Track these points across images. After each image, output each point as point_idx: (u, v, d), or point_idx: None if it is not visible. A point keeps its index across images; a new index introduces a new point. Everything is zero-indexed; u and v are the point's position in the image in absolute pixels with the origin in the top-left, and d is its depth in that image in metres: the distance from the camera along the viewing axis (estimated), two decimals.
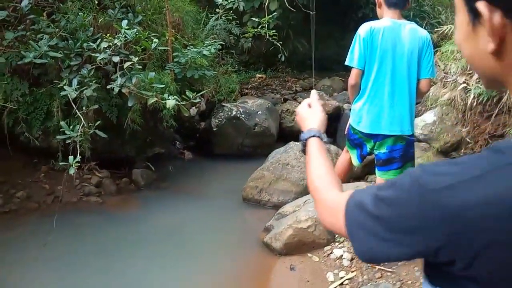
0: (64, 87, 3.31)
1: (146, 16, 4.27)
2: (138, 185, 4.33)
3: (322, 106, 1.10)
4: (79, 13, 3.78)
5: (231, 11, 5.77)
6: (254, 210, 3.92)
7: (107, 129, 3.49)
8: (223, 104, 5.32)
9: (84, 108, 3.40)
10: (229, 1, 5.22)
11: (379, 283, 2.63)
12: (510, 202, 0.50)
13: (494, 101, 3.62)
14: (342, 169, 3.13)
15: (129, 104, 3.51)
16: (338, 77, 7.72)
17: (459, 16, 0.60)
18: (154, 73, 3.66)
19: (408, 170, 0.60)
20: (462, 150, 3.81)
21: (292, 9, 6.15)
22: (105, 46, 3.43)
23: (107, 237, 3.39)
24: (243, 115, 5.17)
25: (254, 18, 5.98)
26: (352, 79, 2.78)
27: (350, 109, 3.08)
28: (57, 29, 3.62)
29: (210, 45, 4.60)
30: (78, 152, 3.13)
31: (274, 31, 5.49)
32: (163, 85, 3.60)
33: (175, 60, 4.34)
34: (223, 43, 5.50)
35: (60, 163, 3.28)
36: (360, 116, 2.78)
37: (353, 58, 2.72)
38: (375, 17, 2.85)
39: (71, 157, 3.03)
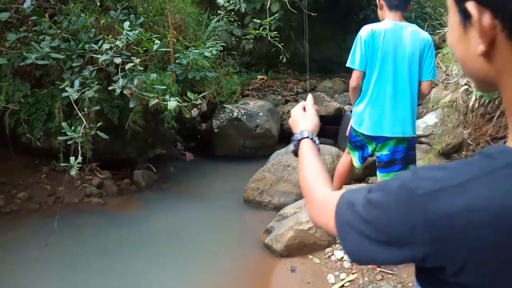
0: (66, 88, 3.32)
1: (148, 18, 4.28)
2: (139, 186, 4.34)
3: (316, 110, 1.11)
4: (81, 15, 3.79)
5: (233, 13, 5.78)
6: (255, 212, 3.91)
7: (108, 130, 3.50)
8: (224, 105, 5.32)
9: (85, 109, 3.41)
10: (230, 3, 5.23)
11: (380, 285, 2.63)
12: (496, 209, 0.49)
13: (496, 103, 3.61)
14: (343, 171, 3.12)
15: (131, 105, 3.51)
16: (340, 78, 7.73)
17: (451, 17, 0.59)
18: (155, 74, 3.67)
19: (399, 173, 0.60)
20: (464, 152, 3.81)
21: (294, 10, 6.15)
22: (107, 47, 3.44)
23: (108, 238, 3.39)
24: (244, 117, 5.17)
25: (255, 20, 5.99)
26: (353, 81, 2.78)
27: (351, 111, 3.08)
28: (59, 31, 3.63)
29: (211, 47, 4.61)
30: (80, 153, 3.14)
31: (275, 32, 5.50)
32: (165, 87, 3.61)
33: (176, 61, 4.35)
34: (225, 44, 5.51)
35: (62, 164, 3.29)
36: (362, 118, 2.78)
37: (354, 60, 2.72)
38: (376, 18, 2.85)
39: (72, 158, 3.03)
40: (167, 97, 3.37)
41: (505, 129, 3.49)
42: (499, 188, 0.49)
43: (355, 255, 0.64)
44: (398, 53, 2.66)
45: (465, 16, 0.55)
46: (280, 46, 5.43)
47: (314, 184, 0.84)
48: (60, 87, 3.43)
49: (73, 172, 3.02)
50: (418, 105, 3.17)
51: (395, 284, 2.63)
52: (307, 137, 0.99)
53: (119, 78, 3.40)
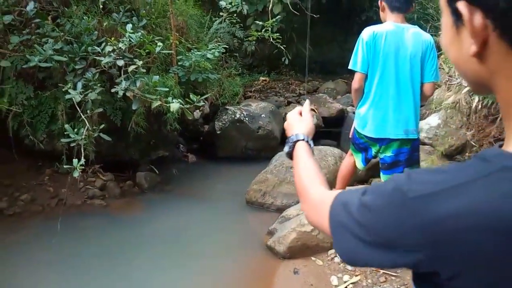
0: (69, 90, 3.33)
1: (151, 20, 4.29)
2: (142, 188, 4.34)
3: (313, 115, 1.11)
4: (84, 17, 3.80)
5: (235, 15, 5.79)
6: (258, 213, 3.91)
7: (111, 132, 3.51)
8: (227, 107, 5.33)
9: (88, 111, 3.42)
10: (233, 5, 5.23)
11: (383, 287, 2.62)
12: (491, 213, 0.47)
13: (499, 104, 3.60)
14: (346, 172, 3.12)
15: (133, 108, 3.52)
16: (342, 80, 7.73)
17: (444, 18, 0.58)
18: (158, 76, 3.68)
19: (394, 175, 0.59)
20: (467, 154, 3.79)
21: (296, 12, 6.16)
22: (110, 49, 3.45)
23: (111, 240, 3.39)
24: (246, 118, 5.17)
25: (257, 22, 5.99)
26: (355, 83, 2.78)
27: (353, 112, 3.08)
28: (62, 33, 3.64)
29: (214, 49, 4.61)
30: (83, 155, 3.14)
31: (277, 34, 5.50)
32: (167, 89, 3.62)
33: (179, 63, 4.35)
34: (227, 46, 5.51)
35: (65, 166, 3.29)
36: (365, 121, 2.78)
37: (356, 62, 2.72)
38: (379, 20, 2.85)
39: (75, 160, 3.04)
40: (169, 99, 3.37)
41: None
42: (495, 191, 0.48)
43: (348, 256, 0.63)
44: (400, 55, 2.65)
45: (457, 16, 0.54)
46: (282, 48, 5.43)
47: (310, 184, 0.84)
48: (63, 90, 3.44)
49: (76, 174, 3.03)
50: (421, 106, 3.17)
51: (398, 286, 2.63)
52: (303, 140, 0.99)
53: (121, 80, 3.41)
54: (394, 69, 2.67)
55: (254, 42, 6.33)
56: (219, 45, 4.88)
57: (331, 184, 3.78)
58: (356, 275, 2.77)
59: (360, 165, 2.99)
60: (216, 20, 6.03)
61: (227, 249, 3.33)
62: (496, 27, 0.50)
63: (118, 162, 4.36)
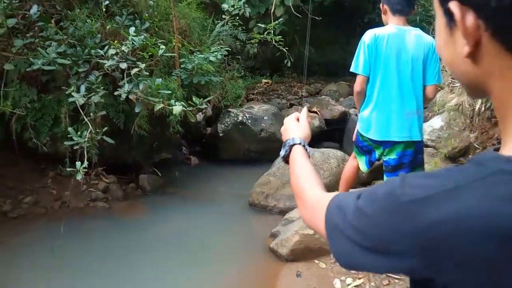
0: (72, 93, 3.34)
1: (153, 23, 4.30)
2: (144, 190, 4.35)
3: (311, 121, 1.12)
4: (87, 20, 3.82)
5: (237, 17, 5.79)
6: (261, 216, 3.91)
7: (114, 135, 3.52)
8: (229, 109, 5.33)
9: (91, 114, 3.43)
10: (235, 7, 5.24)
11: None
12: (486, 217, 0.46)
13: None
14: (349, 175, 3.12)
15: (136, 110, 3.53)
16: (344, 82, 7.72)
17: (438, 20, 0.57)
18: (161, 79, 3.69)
19: (389, 179, 0.58)
20: (470, 156, 3.78)
21: (298, 14, 6.17)
22: (113, 52, 3.46)
23: (114, 242, 3.40)
24: (249, 121, 5.18)
25: (260, 24, 6.00)
26: (357, 85, 2.78)
27: (356, 114, 3.08)
28: (65, 36, 3.66)
29: (216, 51, 4.62)
30: (86, 157, 3.15)
31: (280, 36, 5.51)
32: (170, 91, 3.62)
33: (181, 66, 4.36)
34: (229, 49, 5.52)
35: (68, 169, 3.30)
36: (369, 124, 2.77)
37: (358, 64, 2.72)
38: (381, 22, 2.85)
39: (78, 163, 3.05)
40: (172, 101, 3.38)
41: None
42: (490, 195, 0.47)
43: (344, 259, 0.62)
44: (402, 58, 2.65)
45: (450, 17, 0.53)
46: (285, 50, 5.44)
47: (306, 186, 0.84)
48: (66, 93, 3.45)
49: (79, 176, 3.03)
50: (424, 108, 3.16)
51: None
52: (299, 144, 0.99)
53: (124, 83, 3.42)
54: (396, 71, 2.67)
55: (256, 44, 6.34)
56: (221, 47, 4.88)
57: (334, 187, 3.77)
58: (359, 278, 2.76)
59: (364, 168, 2.99)
60: (218, 22, 6.04)
61: (229, 252, 3.33)
62: (488, 27, 0.49)
63: (121, 165, 4.36)
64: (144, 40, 3.61)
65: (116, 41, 3.57)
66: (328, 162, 4.07)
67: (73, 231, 3.44)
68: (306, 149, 1.00)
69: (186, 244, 3.45)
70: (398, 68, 2.66)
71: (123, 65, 3.45)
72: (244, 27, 6.42)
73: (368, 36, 2.69)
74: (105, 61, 3.46)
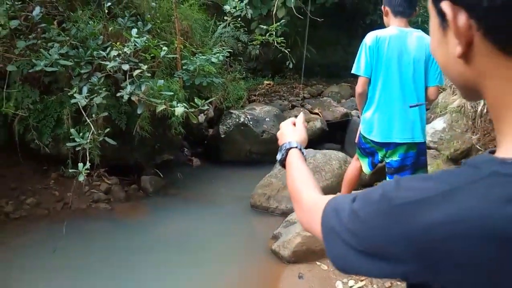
0: (74, 94, 3.35)
1: (155, 24, 4.31)
2: (146, 191, 4.35)
3: (305, 127, 1.12)
4: (89, 22, 3.83)
5: (239, 19, 5.80)
6: (262, 217, 3.90)
7: (116, 136, 3.52)
8: (231, 111, 5.33)
9: (93, 115, 3.43)
10: (237, 9, 5.24)
11: None
12: (481, 219, 0.45)
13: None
14: (351, 177, 3.12)
15: (138, 112, 3.53)
16: (346, 83, 7.71)
17: (431, 20, 0.57)
18: (163, 80, 3.69)
19: (384, 182, 0.58)
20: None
21: (300, 16, 6.16)
22: (115, 54, 3.46)
23: (116, 244, 3.40)
24: (251, 122, 5.18)
25: (262, 26, 6.01)
26: (359, 87, 2.78)
27: (358, 116, 3.07)
28: (68, 38, 3.67)
29: (218, 53, 4.62)
30: (88, 159, 3.16)
31: (282, 38, 5.51)
32: (172, 93, 3.63)
33: (183, 67, 4.37)
34: (231, 50, 5.53)
35: (70, 170, 3.31)
36: (371, 125, 2.77)
37: (359, 66, 2.72)
38: (383, 23, 2.85)
39: (80, 164, 3.06)
40: (174, 103, 3.38)
41: None
42: (485, 197, 0.46)
43: (339, 263, 0.62)
44: (403, 59, 2.65)
45: (443, 17, 0.53)
46: (287, 52, 5.44)
47: (303, 189, 0.83)
48: (69, 94, 3.46)
49: (81, 178, 3.04)
50: (426, 110, 3.16)
51: None
52: (296, 147, 1.00)
53: (127, 85, 3.43)
54: (397, 73, 2.66)
55: (258, 46, 6.34)
56: (223, 49, 4.89)
57: (336, 188, 3.77)
58: (361, 280, 2.75)
59: (366, 170, 2.98)
60: (220, 24, 6.04)
61: (231, 253, 3.33)
62: (480, 27, 0.49)
63: (123, 166, 4.37)
64: (146, 41, 3.62)
65: (118, 43, 3.57)
66: (329, 164, 4.07)
67: (75, 232, 3.44)
68: (303, 153, 1.00)
69: (187, 246, 3.45)
70: (400, 70, 2.66)
71: (125, 67, 3.46)
72: (246, 29, 6.42)
73: (370, 38, 2.69)
74: (107, 63, 3.46)
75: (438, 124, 4.11)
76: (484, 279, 0.46)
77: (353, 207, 0.58)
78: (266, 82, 7.79)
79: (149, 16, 4.19)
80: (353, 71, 2.78)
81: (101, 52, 3.57)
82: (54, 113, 3.83)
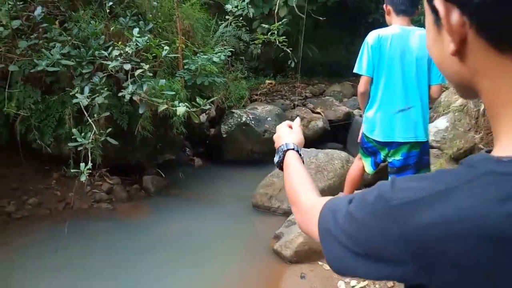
0: (76, 94, 3.34)
1: (157, 24, 4.30)
2: (148, 191, 4.35)
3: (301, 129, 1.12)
4: (91, 22, 3.83)
5: (241, 18, 5.79)
6: (264, 217, 3.90)
7: (118, 136, 3.52)
8: (233, 110, 5.33)
9: (95, 115, 3.43)
10: (239, 8, 5.24)
11: None
12: (477, 219, 0.44)
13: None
14: (354, 176, 3.10)
15: (140, 111, 3.53)
16: (348, 82, 7.70)
17: (427, 18, 0.56)
18: (164, 80, 3.69)
19: (380, 183, 0.57)
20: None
21: (302, 15, 6.15)
22: (117, 54, 3.46)
23: (118, 244, 3.40)
24: (252, 122, 5.17)
25: (263, 25, 6.00)
26: (361, 86, 2.77)
27: (360, 115, 3.06)
28: (69, 37, 3.67)
29: (220, 52, 4.62)
30: (90, 159, 3.16)
31: (283, 37, 5.50)
32: (174, 92, 3.62)
33: (185, 67, 4.36)
34: (233, 49, 5.52)
35: (72, 170, 3.31)
36: (373, 125, 2.76)
37: (361, 65, 2.71)
38: (385, 22, 2.84)
39: (82, 164, 3.05)
40: (176, 102, 3.38)
41: None
42: (481, 196, 0.45)
43: (337, 265, 0.61)
44: (406, 58, 2.64)
45: (437, 15, 0.52)
46: (288, 51, 5.42)
47: (301, 191, 0.83)
48: (70, 94, 3.46)
49: (83, 178, 3.04)
50: (429, 108, 3.15)
51: None
52: (293, 149, 0.99)
53: (128, 84, 3.42)
54: (400, 72, 2.65)
55: (260, 45, 6.33)
56: (225, 48, 4.88)
57: (338, 188, 3.76)
58: (363, 280, 2.74)
59: (369, 169, 2.97)
60: (222, 23, 6.04)
61: (233, 253, 3.32)
62: (473, 23, 0.48)
63: (124, 166, 4.37)
64: (148, 41, 3.61)
65: (120, 42, 3.57)
66: (332, 163, 4.06)
67: (77, 232, 3.44)
68: (300, 154, 0.99)
69: (189, 245, 3.45)
70: (402, 69, 2.64)
71: (127, 66, 3.45)
72: (247, 28, 6.41)
73: (372, 36, 2.68)
74: (109, 62, 3.46)
75: (441, 123, 4.10)
76: (481, 279, 0.45)
77: (350, 209, 0.58)
78: (268, 81, 7.79)
79: (150, 15, 4.19)
80: (355, 70, 2.77)
81: (103, 51, 3.57)
82: (55, 113, 3.83)
